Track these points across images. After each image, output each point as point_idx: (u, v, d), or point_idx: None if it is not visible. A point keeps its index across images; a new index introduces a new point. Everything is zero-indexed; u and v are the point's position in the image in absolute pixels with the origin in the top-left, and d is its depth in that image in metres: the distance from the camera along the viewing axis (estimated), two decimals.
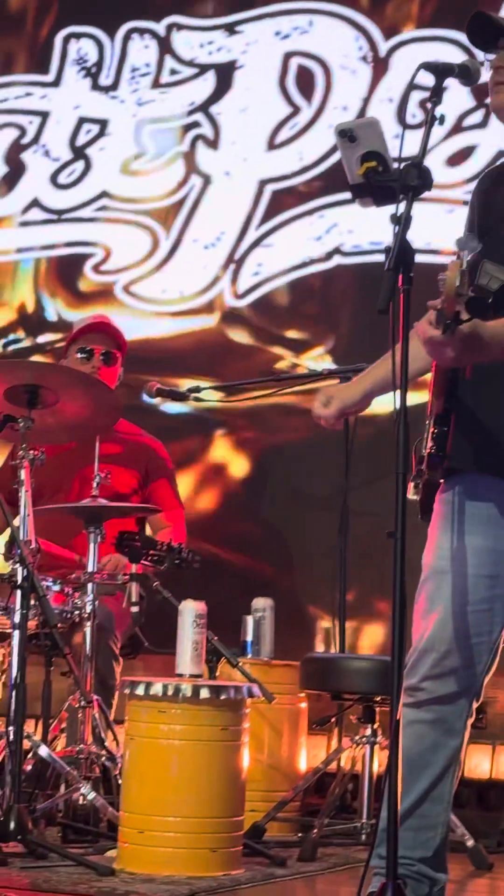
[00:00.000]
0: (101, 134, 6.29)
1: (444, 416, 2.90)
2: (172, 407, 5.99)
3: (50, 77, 6.43)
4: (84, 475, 4.87)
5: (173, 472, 5.51)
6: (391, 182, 2.66)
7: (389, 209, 2.76)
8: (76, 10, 6.47)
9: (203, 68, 6.13)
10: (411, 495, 3.14)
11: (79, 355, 5.05)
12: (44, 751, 4.09)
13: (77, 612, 4.35)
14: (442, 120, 2.75)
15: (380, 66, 5.81)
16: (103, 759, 4.24)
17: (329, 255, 5.83)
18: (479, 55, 2.98)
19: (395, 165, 2.73)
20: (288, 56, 5.99)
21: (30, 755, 4.10)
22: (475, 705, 3.01)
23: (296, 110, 5.92)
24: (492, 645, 2.97)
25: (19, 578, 3.84)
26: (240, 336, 6.08)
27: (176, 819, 3.70)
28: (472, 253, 2.66)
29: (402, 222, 2.61)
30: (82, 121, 6.32)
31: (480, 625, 2.95)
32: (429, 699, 2.88)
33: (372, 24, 5.87)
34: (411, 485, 3.12)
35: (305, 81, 5.94)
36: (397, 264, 2.58)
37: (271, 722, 4.63)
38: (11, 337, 6.36)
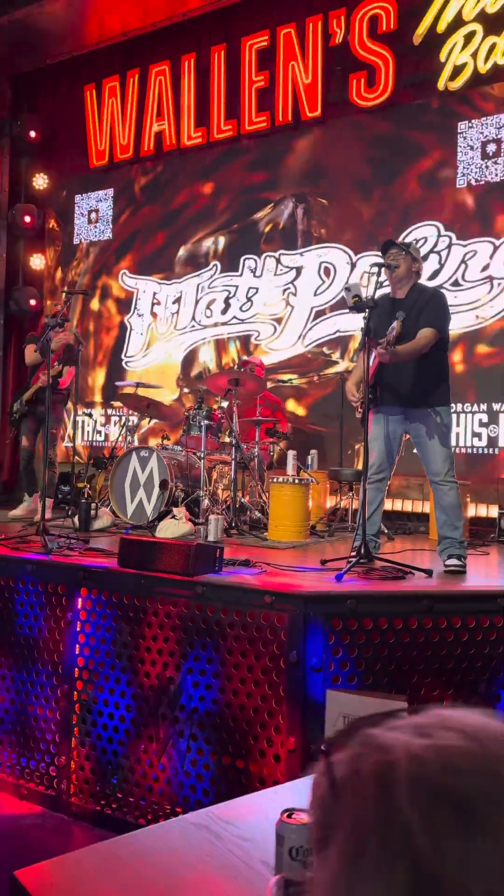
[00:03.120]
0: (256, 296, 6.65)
1: (374, 385, 3.37)
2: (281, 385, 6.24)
3: (238, 273, 6.76)
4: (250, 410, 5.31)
5: (284, 408, 6.00)
6: (363, 305, 3.20)
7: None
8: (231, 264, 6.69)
9: (292, 268, 6.47)
10: (358, 415, 3.55)
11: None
12: (242, 500, 4.89)
13: (249, 455, 4.95)
14: (382, 284, 3.37)
15: (353, 267, 6.08)
16: (261, 503, 4.94)
17: (335, 333, 6.15)
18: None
19: (365, 298, 3.21)
20: (321, 263, 6.30)
21: (238, 502, 4.74)
22: (389, 481, 3.57)
23: (323, 282, 6.29)
24: (394, 460, 3.52)
25: (235, 444, 4.56)
26: (308, 357, 6.30)
27: (287, 521, 4.33)
28: (398, 321, 3.20)
29: (368, 319, 3.23)
30: (248, 289, 6.70)
31: (393, 453, 3.49)
32: (374, 480, 3.45)
33: (349, 250, 6.16)
34: (361, 411, 3.43)
35: (327, 272, 6.27)
36: (366, 332, 3.22)
37: (315, 491, 4.93)
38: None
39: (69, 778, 2.99)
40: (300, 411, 6.49)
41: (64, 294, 4.09)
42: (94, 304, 7.80)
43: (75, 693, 3.00)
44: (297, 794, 1.22)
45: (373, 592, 2.61)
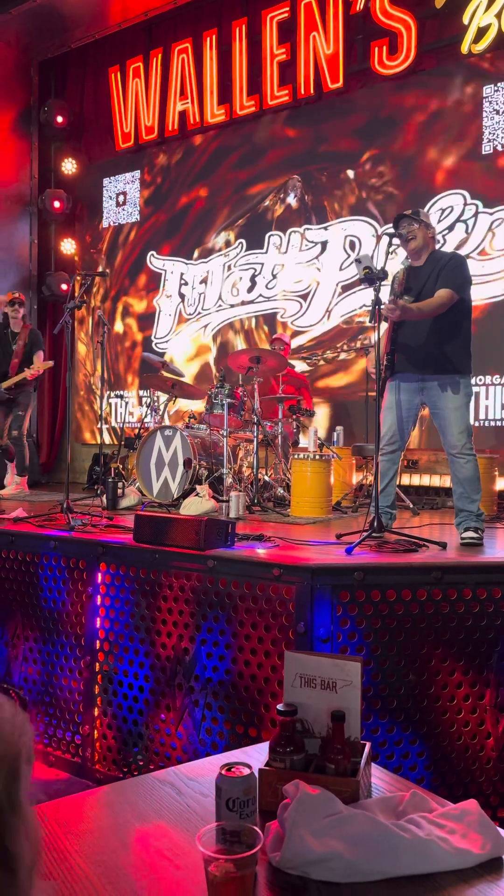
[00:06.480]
0: (281, 273, 6.57)
1: (391, 351, 3.36)
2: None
3: (263, 250, 6.71)
4: (273, 388, 5.34)
5: (309, 385, 5.90)
6: (374, 276, 3.09)
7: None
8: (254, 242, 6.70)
9: (317, 243, 6.40)
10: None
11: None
12: (266, 477, 4.91)
13: (273, 433, 4.96)
14: (395, 251, 3.42)
15: (379, 240, 5.99)
16: (286, 480, 4.93)
17: (362, 307, 6.04)
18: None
19: (376, 269, 3.11)
20: (346, 237, 6.22)
21: (261, 479, 4.82)
22: (402, 453, 3.52)
23: (348, 256, 6.19)
24: (410, 430, 3.43)
25: (256, 421, 4.61)
26: (343, 328, 6.19)
27: (309, 497, 4.31)
28: (402, 268, 3.24)
29: (378, 289, 3.12)
30: (274, 266, 6.62)
31: (408, 423, 3.41)
32: (387, 452, 3.39)
33: (376, 222, 6.06)
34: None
35: (352, 245, 6.18)
36: (376, 303, 3.12)
37: (340, 466, 4.96)
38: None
39: (93, 746, 3.09)
40: (336, 382, 6.40)
41: (80, 277, 4.08)
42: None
43: (97, 664, 3.08)
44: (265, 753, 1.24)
45: (380, 564, 2.56)
